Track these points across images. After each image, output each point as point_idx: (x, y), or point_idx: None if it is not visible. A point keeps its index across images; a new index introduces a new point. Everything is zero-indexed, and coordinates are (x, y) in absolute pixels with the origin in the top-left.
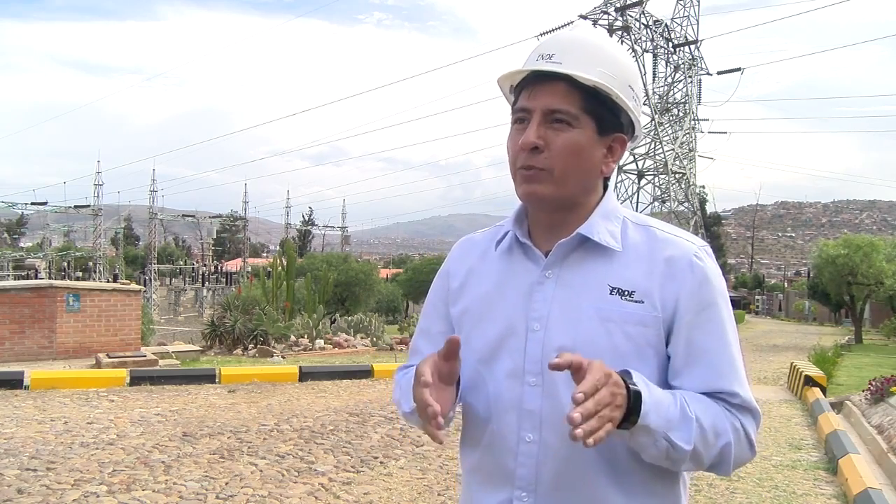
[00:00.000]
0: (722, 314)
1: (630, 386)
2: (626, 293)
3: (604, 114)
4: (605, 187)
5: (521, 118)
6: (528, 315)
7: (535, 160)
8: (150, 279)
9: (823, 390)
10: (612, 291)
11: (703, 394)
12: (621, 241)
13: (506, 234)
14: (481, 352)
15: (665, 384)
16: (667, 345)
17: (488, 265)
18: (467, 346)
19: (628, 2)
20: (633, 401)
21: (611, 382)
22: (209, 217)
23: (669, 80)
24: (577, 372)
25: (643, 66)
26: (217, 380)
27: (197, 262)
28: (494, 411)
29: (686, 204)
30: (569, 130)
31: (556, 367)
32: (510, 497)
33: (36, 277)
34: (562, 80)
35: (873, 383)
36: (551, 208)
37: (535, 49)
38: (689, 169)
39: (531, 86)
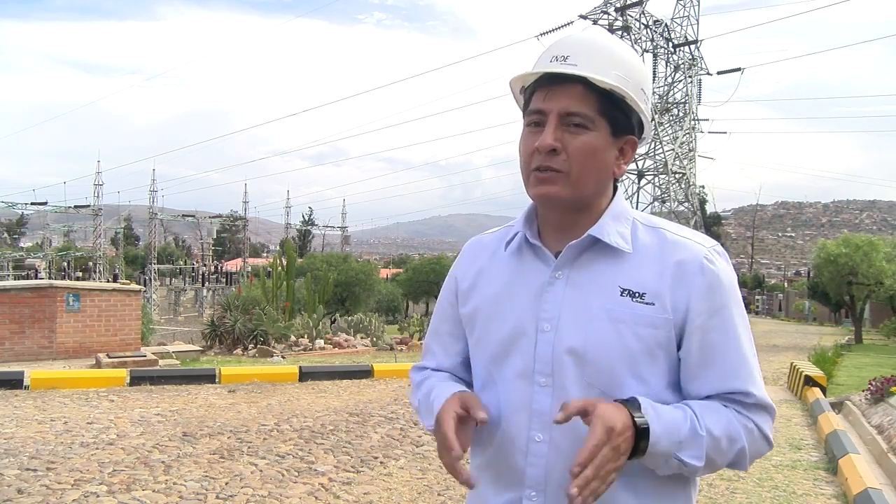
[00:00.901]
0: (734, 316)
1: (636, 420)
2: (637, 295)
3: (618, 116)
4: (615, 189)
5: (536, 121)
6: (539, 316)
7: (552, 162)
8: (150, 279)
9: (823, 390)
10: (622, 293)
11: (718, 395)
12: (631, 242)
13: (515, 234)
14: (492, 352)
15: (676, 384)
16: (678, 347)
17: (498, 266)
18: (478, 345)
19: (628, 2)
20: (642, 432)
21: (614, 436)
22: (209, 217)
23: (669, 80)
24: (585, 417)
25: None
26: (217, 380)
27: (197, 262)
28: (504, 411)
29: (686, 204)
30: (585, 133)
31: (563, 422)
32: (520, 496)
33: (36, 277)
34: (578, 83)
35: (873, 383)
36: (564, 209)
37: (547, 50)
38: (689, 169)
39: (546, 88)
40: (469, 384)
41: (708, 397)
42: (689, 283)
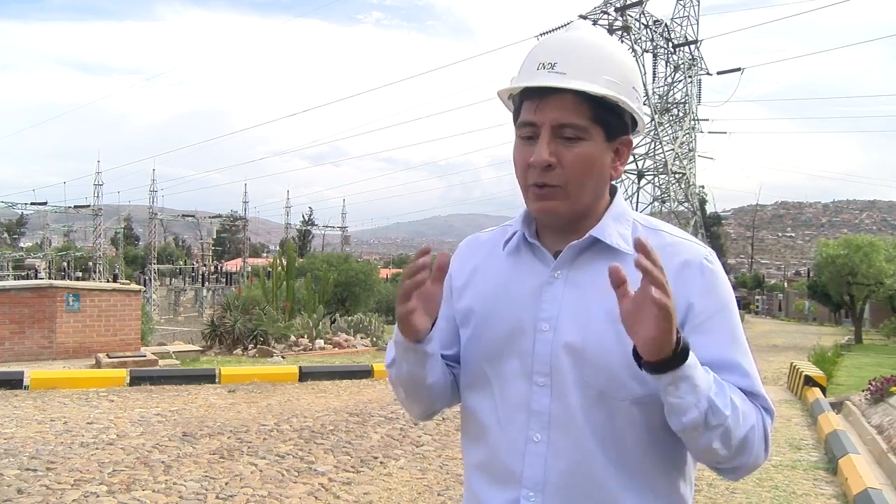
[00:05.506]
0: (733, 317)
1: (680, 333)
2: None
3: (611, 120)
4: (613, 189)
5: (528, 134)
6: (537, 315)
7: (549, 177)
8: (150, 279)
9: (823, 390)
10: None
11: None
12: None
13: (514, 234)
14: (488, 350)
15: None
16: None
17: (495, 264)
18: (472, 343)
19: (628, 2)
20: (682, 349)
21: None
22: (209, 217)
23: (669, 80)
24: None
25: (643, 66)
26: (217, 380)
27: (197, 262)
28: (502, 411)
29: (686, 204)
30: (580, 144)
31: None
32: (517, 497)
33: (36, 277)
34: (569, 92)
35: (873, 383)
36: (565, 220)
37: (534, 54)
38: (689, 169)
39: (536, 98)
40: (456, 379)
41: None
42: (689, 283)
